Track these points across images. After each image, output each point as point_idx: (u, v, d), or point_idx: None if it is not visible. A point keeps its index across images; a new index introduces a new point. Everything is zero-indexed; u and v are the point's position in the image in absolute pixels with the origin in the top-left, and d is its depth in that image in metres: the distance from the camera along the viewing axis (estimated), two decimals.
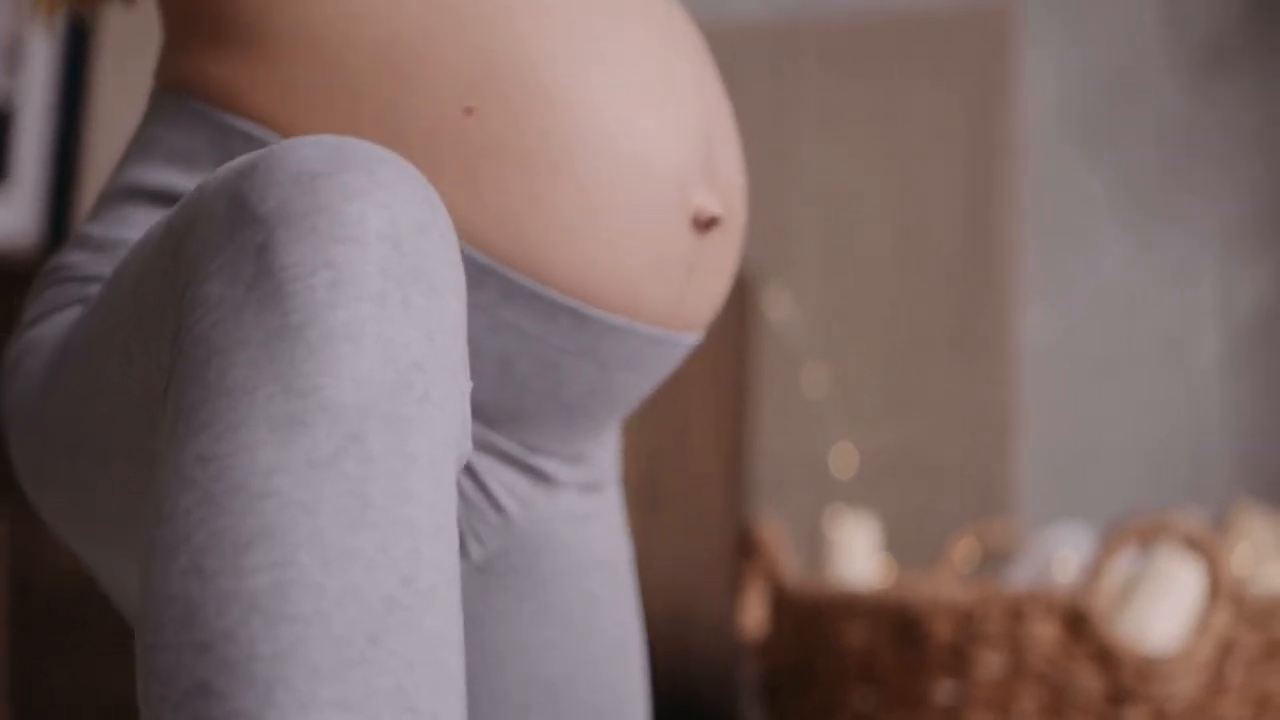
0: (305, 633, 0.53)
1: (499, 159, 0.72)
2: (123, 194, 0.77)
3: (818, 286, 1.85)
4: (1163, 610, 1.26)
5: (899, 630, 1.29)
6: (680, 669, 1.58)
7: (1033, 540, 1.54)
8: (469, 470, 0.78)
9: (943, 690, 1.28)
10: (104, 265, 0.76)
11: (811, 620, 1.36)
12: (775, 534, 1.46)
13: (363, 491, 0.54)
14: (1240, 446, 1.73)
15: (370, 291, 0.56)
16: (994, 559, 1.64)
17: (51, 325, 0.76)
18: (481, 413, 0.76)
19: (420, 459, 0.56)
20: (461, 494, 0.78)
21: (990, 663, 1.26)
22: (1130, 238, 1.78)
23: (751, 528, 1.50)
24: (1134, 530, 1.24)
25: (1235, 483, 1.72)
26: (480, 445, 0.77)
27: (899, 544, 1.68)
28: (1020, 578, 1.45)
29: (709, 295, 0.81)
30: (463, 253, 0.72)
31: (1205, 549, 1.24)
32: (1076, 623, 1.25)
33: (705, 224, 0.77)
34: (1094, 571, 1.25)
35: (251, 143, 0.74)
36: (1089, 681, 1.24)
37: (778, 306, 1.85)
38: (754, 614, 1.46)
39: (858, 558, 1.51)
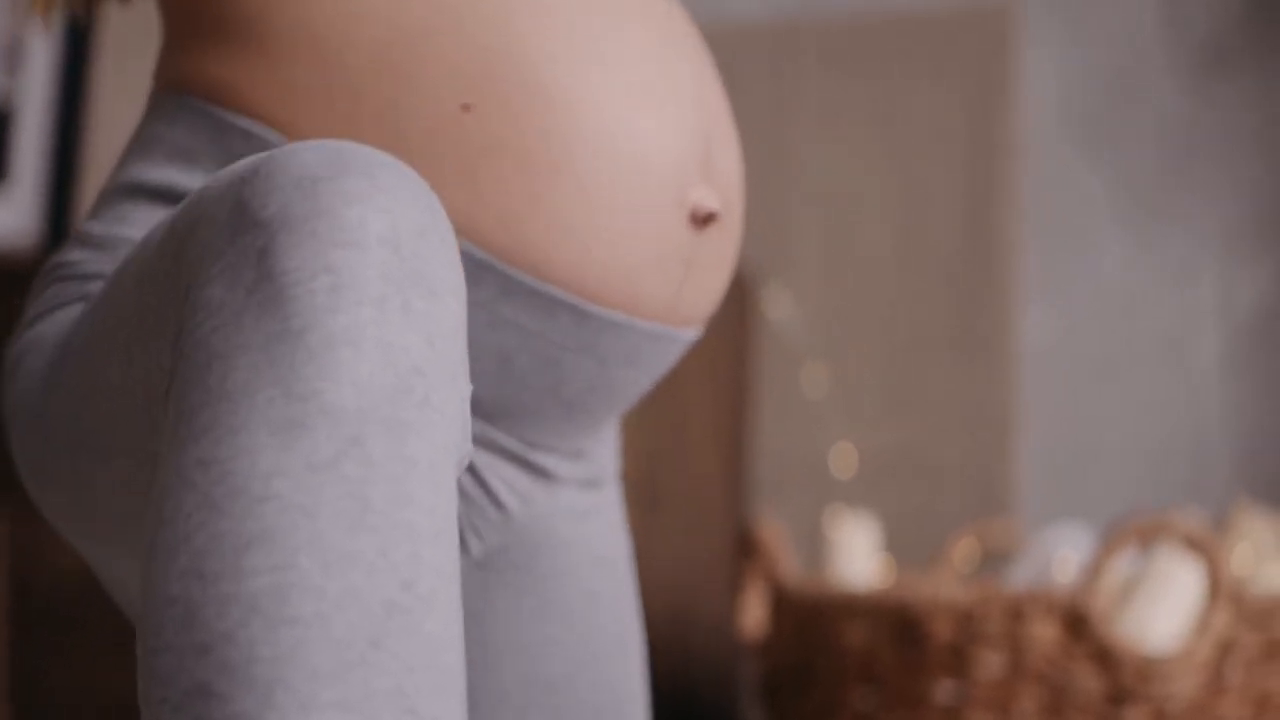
0: (305, 635, 0.53)
1: (499, 158, 0.72)
2: (123, 192, 0.77)
3: (818, 286, 1.85)
4: (1162, 610, 1.26)
5: (899, 630, 1.29)
6: (680, 669, 1.58)
7: (1033, 540, 1.54)
8: (469, 466, 0.78)
9: (943, 690, 1.28)
10: (104, 263, 0.76)
11: (811, 620, 1.36)
12: (775, 534, 1.46)
13: (362, 495, 0.54)
14: (1240, 446, 1.73)
15: (370, 296, 0.56)
16: (994, 559, 1.64)
17: (52, 323, 0.76)
18: (481, 409, 0.76)
19: (420, 463, 0.56)
20: (461, 490, 0.78)
21: (990, 663, 1.26)
22: (1130, 238, 1.78)
23: (751, 528, 1.50)
24: (1134, 530, 1.24)
25: (1235, 483, 1.72)
26: (480, 441, 0.78)
27: (899, 544, 1.68)
28: (1020, 578, 1.45)
29: (707, 291, 0.81)
30: (461, 249, 0.72)
31: (1205, 549, 1.24)
32: (1076, 623, 1.25)
33: (703, 220, 0.77)
34: (1094, 571, 1.25)
35: (251, 140, 0.74)
36: (1089, 681, 1.24)
37: (778, 306, 1.85)
38: (754, 614, 1.46)
39: (858, 558, 1.51)
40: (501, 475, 0.80)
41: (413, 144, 0.72)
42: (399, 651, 0.54)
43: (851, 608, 1.33)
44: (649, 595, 1.12)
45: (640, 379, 0.81)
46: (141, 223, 0.76)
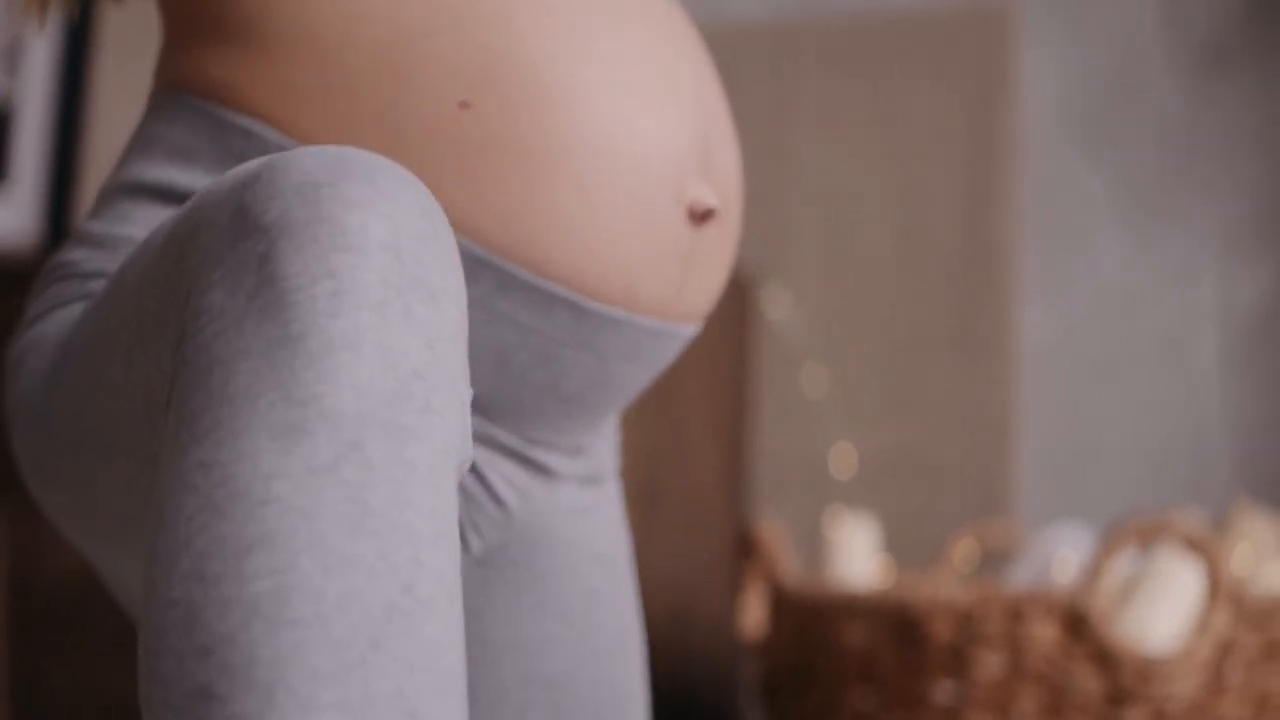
0: (306, 637, 0.53)
1: (498, 157, 0.72)
2: (123, 191, 0.78)
3: (818, 286, 1.85)
4: (1162, 610, 1.26)
5: (899, 630, 1.29)
6: (680, 669, 1.58)
7: (1032, 540, 1.54)
8: None
9: (942, 690, 1.28)
10: (105, 262, 0.76)
11: (811, 620, 1.36)
12: (775, 534, 1.46)
13: (362, 499, 0.55)
14: (1240, 446, 1.73)
15: (371, 300, 0.56)
16: (994, 559, 1.64)
17: (54, 322, 0.76)
18: (480, 405, 0.76)
19: (420, 467, 0.56)
20: (461, 487, 0.78)
21: (990, 663, 1.26)
22: (1130, 238, 1.78)
23: (751, 528, 1.50)
24: (1134, 530, 1.24)
25: (1235, 483, 1.72)
26: (480, 438, 0.78)
27: (899, 544, 1.68)
28: (1020, 578, 1.45)
29: (706, 287, 0.81)
30: (460, 246, 0.72)
31: (1205, 549, 1.24)
32: (1076, 623, 1.25)
33: (701, 216, 0.78)
34: (1094, 572, 1.25)
35: (251, 139, 0.74)
36: (1088, 682, 1.24)
37: (777, 306, 1.85)
38: (754, 614, 1.46)
39: (857, 558, 1.51)
40: (501, 472, 0.80)
41: (412, 143, 0.72)
42: (399, 653, 0.54)
43: (851, 608, 1.33)
44: (649, 595, 1.12)
45: (639, 375, 0.81)
46: (142, 222, 0.76)
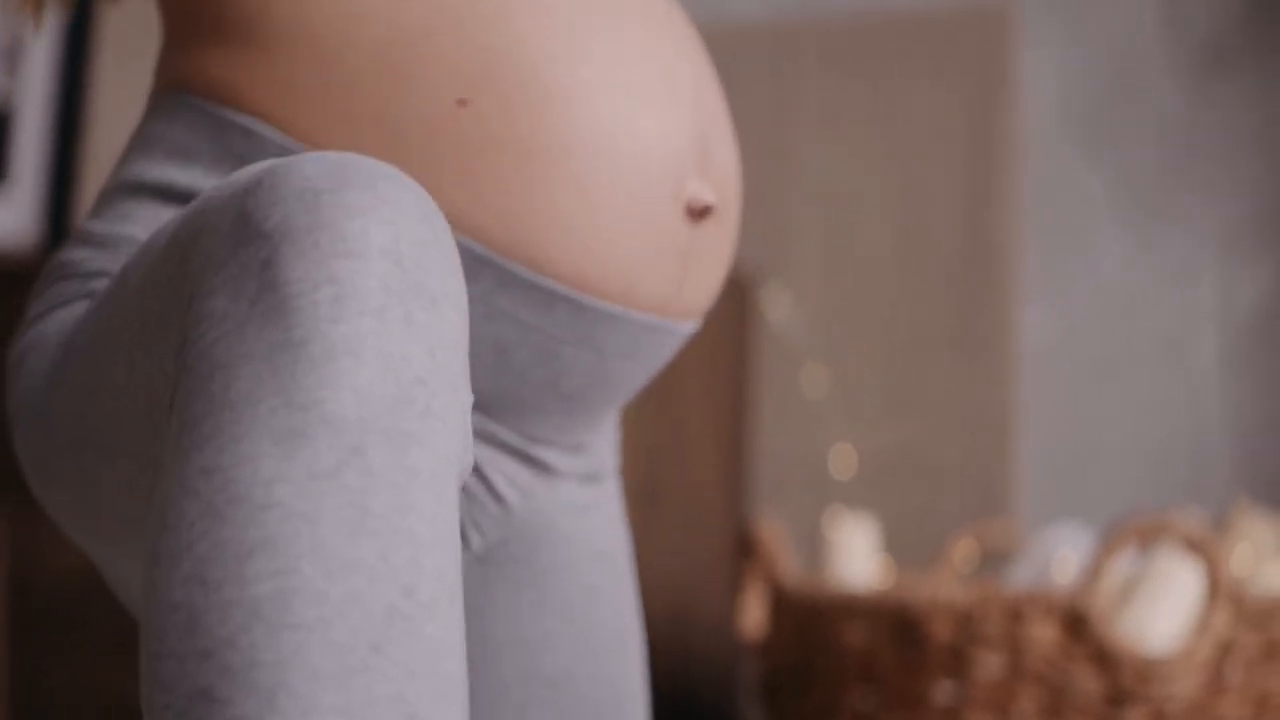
0: (307, 640, 0.53)
1: (497, 155, 0.73)
2: (124, 190, 0.78)
3: (817, 286, 1.85)
4: (1162, 611, 1.26)
5: (898, 631, 1.30)
6: (680, 669, 1.58)
7: (1032, 540, 1.54)
8: None
9: (942, 691, 1.28)
10: (106, 261, 0.76)
11: (811, 621, 1.36)
12: (775, 534, 1.46)
13: (364, 503, 0.55)
14: (1240, 447, 1.73)
15: (372, 306, 0.56)
16: (993, 559, 1.64)
17: (55, 321, 0.76)
18: (480, 403, 0.77)
19: (421, 472, 0.56)
20: (462, 485, 0.78)
21: (989, 663, 1.26)
22: (1130, 238, 1.78)
23: (751, 528, 1.50)
24: (1133, 530, 1.24)
25: (1235, 483, 1.72)
26: (480, 435, 0.78)
27: (898, 544, 1.68)
28: (1020, 578, 1.45)
29: (704, 284, 0.81)
30: (459, 243, 0.73)
31: (1205, 549, 1.24)
32: (1076, 623, 1.25)
33: (699, 213, 0.78)
34: (1093, 572, 1.25)
35: (251, 137, 0.75)
36: (1088, 682, 1.25)
37: (777, 306, 1.85)
38: (753, 614, 1.46)
39: (857, 558, 1.52)
40: (501, 469, 0.80)
41: (412, 142, 0.73)
42: (400, 657, 0.54)
43: (851, 608, 1.33)
44: (649, 595, 1.12)
45: (639, 372, 0.81)
46: (143, 221, 0.76)
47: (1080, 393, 1.78)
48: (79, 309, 0.75)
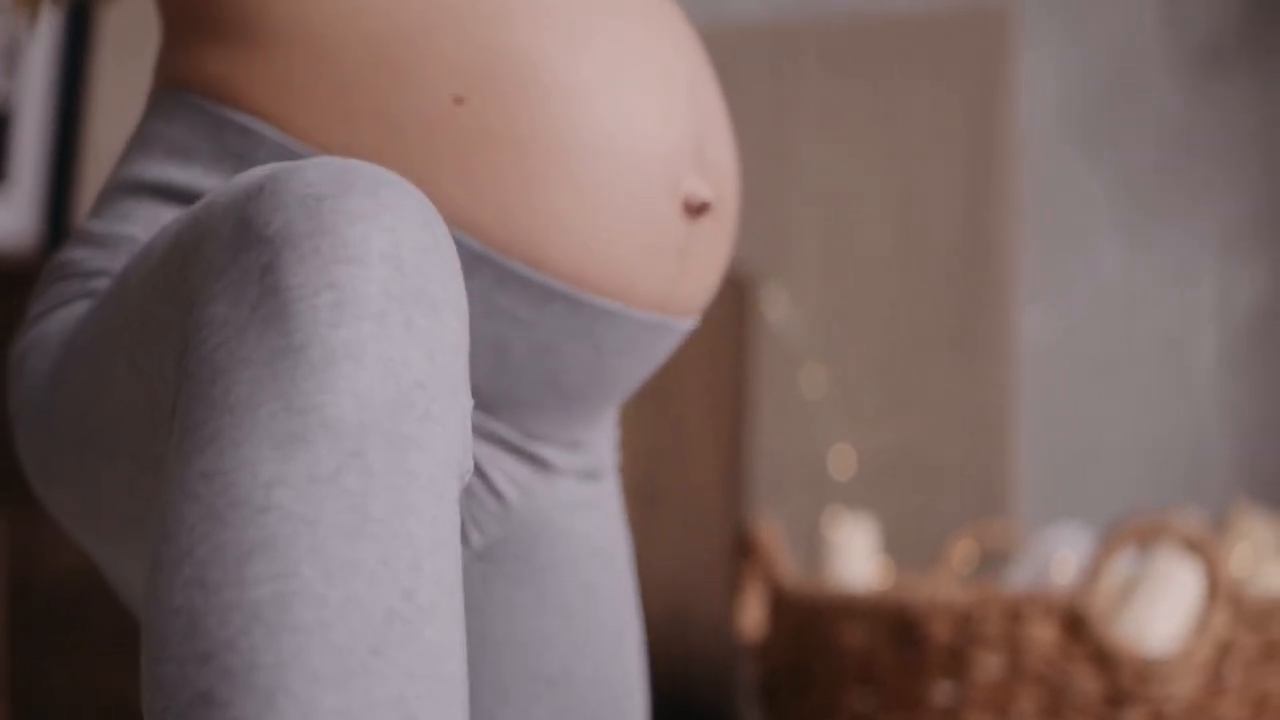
0: (307, 642, 0.53)
1: (496, 152, 0.73)
2: (123, 189, 0.78)
3: (817, 286, 1.85)
4: (1161, 611, 1.26)
5: (897, 631, 1.30)
6: (679, 669, 1.58)
7: (1032, 541, 1.54)
8: None
9: (941, 691, 1.28)
10: (106, 260, 0.76)
11: (810, 621, 1.36)
12: (774, 535, 1.46)
13: (363, 507, 0.55)
14: (1239, 447, 1.73)
15: (372, 311, 0.56)
16: (993, 560, 1.64)
17: (57, 321, 0.76)
18: (479, 399, 0.77)
19: (421, 476, 0.56)
20: None
21: (989, 664, 1.26)
22: (1129, 238, 1.78)
23: (750, 528, 1.50)
24: (1133, 531, 1.24)
25: (1234, 483, 1.72)
26: (479, 432, 0.78)
27: (898, 545, 1.68)
28: (1019, 579, 1.45)
29: (702, 281, 0.82)
30: (457, 240, 0.73)
31: (1204, 550, 1.24)
32: (1075, 624, 1.25)
33: (697, 210, 0.78)
34: (1092, 572, 1.25)
35: (249, 136, 0.75)
36: (1087, 683, 1.25)
37: (777, 307, 1.85)
38: (752, 615, 1.46)
39: (856, 559, 1.52)
40: (500, 466, 0.80)
41: (411, 139, 0.73)
42: (400, 659, 0.54)
43: (850, 609, 1.33)
44: (647, 596, 1.12)
45: (637, 368, 0.81)
46: (143, 220, 0.76)
47: (1080, 393, 1.78)
48: (80, 308, 0.76)
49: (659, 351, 0.82)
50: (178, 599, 0.54)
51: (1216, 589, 1.24)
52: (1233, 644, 1.25)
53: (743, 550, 1.49)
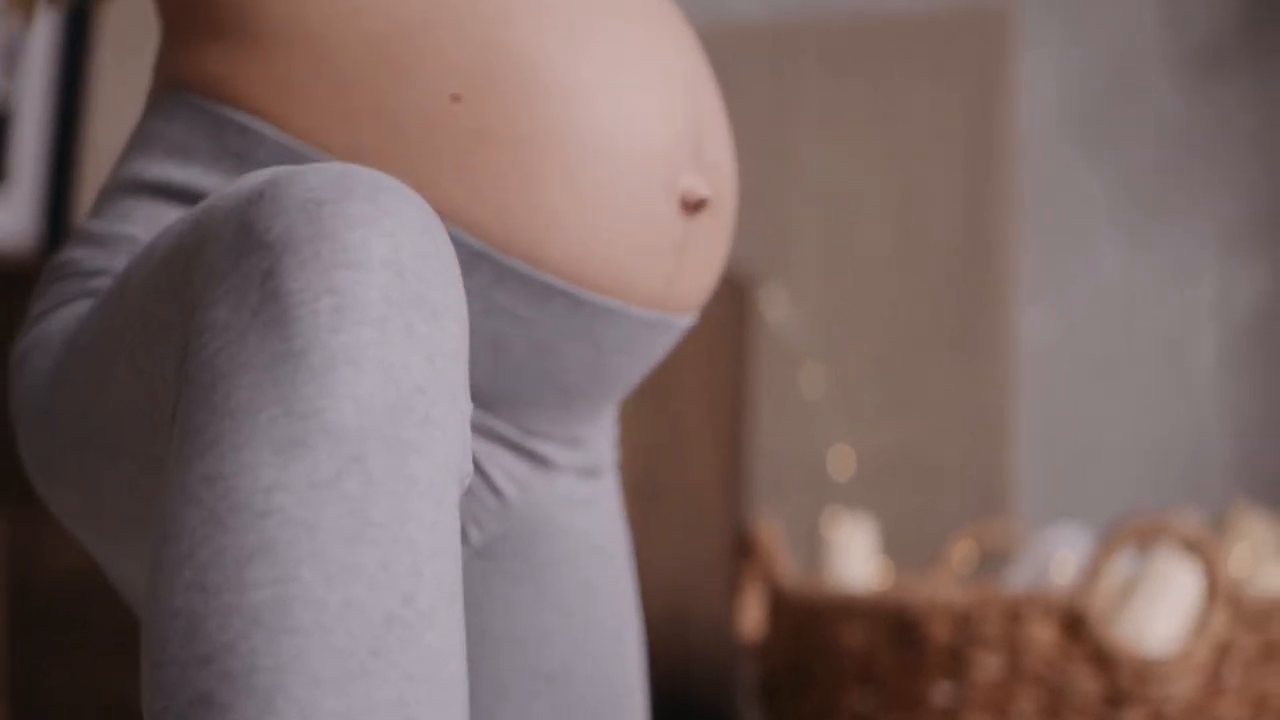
0: (306, 645, 0.53)
1: (494, 150, 0.73)
2: (123, 189, 0.78)
3: (817, 286, 1.85)
4: (1161, 611, 1.26)
5: (897, 632, 1.30)
6: (678, 670, 1.58)
7: (1031, 541, 1.54)
8: None
9: (940, 692, 1.28)
10: (106, 259, 0.76)
11: (809, 621, 1.36)
12: (773, 535, 1.46)
13: (363, 511, 0.55)
14: (1238, 447, 1.73)
15: (372, 316, 0.57)
16: (992, 560, 1.64)
17: (58, 320, 0.76)
18: (478, 397, 0.77)
19: (421, 480, 0.56)
20: None
21: (988, 664, 1.26)
22: (1129, 238, 1.78)
23: (749, 529, 1.50)
24: (1132, 531, 1.24)
25: (1233, 484, 1.72)
26: (478, 430, 0.78)
27: (897, 545, 1.68)
28: (1018, 579, 1.45)
29: (700, 278, 0.82)
30: (456, 239, 0.73)
31: (1203, 550, 1.24)
32: (1074, 624, 1.25)
33: (694, 206, 0.78)
34: (1092, 573, 1.25)
35: (247, 135, 0.75)
36: (1087, 683, 1.25)
37: (776, 307, 1.85)
38: (752, 615, 1.47)
39: (856, 559, 1.52)
40: (500, 463, 0.80)
41: (410, 137, 0.73)
42: (400, 661, 0.54)
43: (849, 609, 1.33)
44: (647, 596, 1.12)
45: (635, 365, 0.81)
46: (143, 220, 0.76)
47: (1080, 393, 1.78)
48: (81, 307, 0.76)
49: (658, 349, 0.82)
50: (178, 602, 0.55)
51: (1216, 589, 1.24)
52: (1232, 644, 1.25)
53: (742, 550, 1.49)
